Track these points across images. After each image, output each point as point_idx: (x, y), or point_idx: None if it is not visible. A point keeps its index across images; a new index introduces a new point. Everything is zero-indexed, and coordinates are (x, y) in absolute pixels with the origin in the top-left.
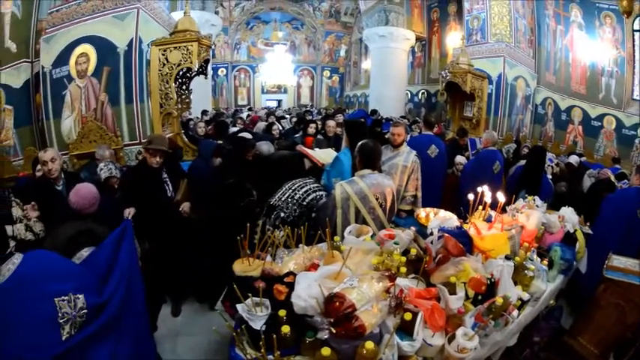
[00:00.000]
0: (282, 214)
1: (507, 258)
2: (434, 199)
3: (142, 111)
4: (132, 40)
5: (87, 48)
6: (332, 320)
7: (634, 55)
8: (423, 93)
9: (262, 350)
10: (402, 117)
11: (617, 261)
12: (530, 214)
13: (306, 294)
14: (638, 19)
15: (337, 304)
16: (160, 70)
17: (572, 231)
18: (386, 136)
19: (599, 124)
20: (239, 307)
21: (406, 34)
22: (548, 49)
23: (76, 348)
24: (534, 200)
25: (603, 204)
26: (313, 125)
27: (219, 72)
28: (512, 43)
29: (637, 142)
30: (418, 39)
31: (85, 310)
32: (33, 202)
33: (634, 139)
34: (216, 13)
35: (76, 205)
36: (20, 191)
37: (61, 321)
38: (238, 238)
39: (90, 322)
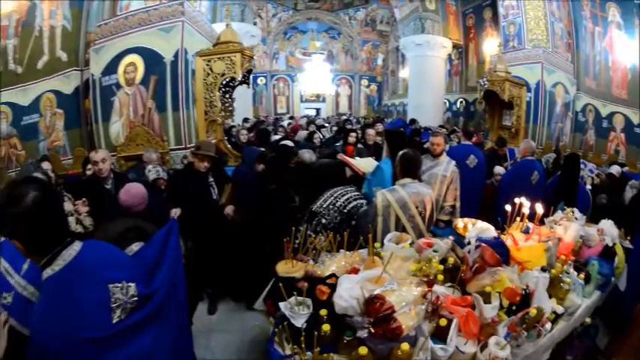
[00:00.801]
0: (324, 221)
1: (543, 270)
2: (472, 209)
3: (188, 118)
4: (177, 51)
5: (135, 58)
6: (371, 320)
7: None
8: (461, 101)
9: (302, 346)
10: (440, 126)
11: None
12: (568, 226)
13: (348, 295)
14: None
15: (377, 304)
16: (204, 80)
17: (611, 245)
18: (425, 146)
19: None
20: (282, 305)
21: (443, 42)
22: (586, 52)
23: (124, 331)
24: (573, 212)
25: None
26: (354, 134)
27: (259, 81)
28: (549, 48)
29: None
30: (455, 46)
31: (136, 298)
32: (84, 199)
33: None
34: (255, 24)
35: (126, 203)
36: (71, 187)
37: (113, 305)
38: (284, 240)
39: (138, 309)
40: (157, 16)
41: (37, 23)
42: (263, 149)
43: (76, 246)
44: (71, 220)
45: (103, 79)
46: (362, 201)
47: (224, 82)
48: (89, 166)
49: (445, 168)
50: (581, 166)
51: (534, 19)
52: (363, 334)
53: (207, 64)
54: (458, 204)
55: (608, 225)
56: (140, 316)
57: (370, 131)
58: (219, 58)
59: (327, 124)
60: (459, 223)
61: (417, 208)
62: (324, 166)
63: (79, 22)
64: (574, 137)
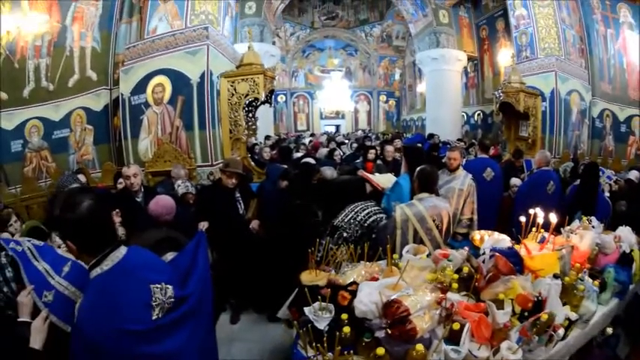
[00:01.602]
0: (345, 234)
1: (555, 277)
2: (490, 221)
3: (214, 136)
4: (203, 72)
5: (162, 79)
6: (388, 322)
7: None
8: (478, 114)
9: (325, 346)
10: (458, 140)
11: None
12: (584, 234)
13: (368, 299)
14: None
15: (394, 307)
16: (229, 100)
17: (628, 251)
18: (443, 160)
19: None
20: (306, 309)
21: (458, 55)
22: (600, 56)
23: (161, 328)
24: (590, 221)
25: None
26: (373, 151)
27: (279, 99)
28: (562, 55)
29: None
30: (470, 59)
31: (172, 299)
32: (117, 210)
33: None
34: (273, 43)
35: (154, 213)
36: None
37: (153, 304)
38: (309, 250)
39: (174, 310)
40: (183, 40)
41: (67, 44)
42: (286, 167)
43: (122, 249)
44: None
45: (133, 98)
46: (381, 215)
47: (247, 102)
48: (120, 180)
49: (462, 182)
50: (599, 173)
51: (545, 28)
52: (380, 334)
53: (232, 85)
54: (475, 217)
55: (625, 232)
56: (175, 316)
57: (389, 148)
58: (242, 79)
59: (346, 141)
60: (476, 235)
61: (434, 221)
62: (345, 183)
63: (108, 44)
64: (592, 144)
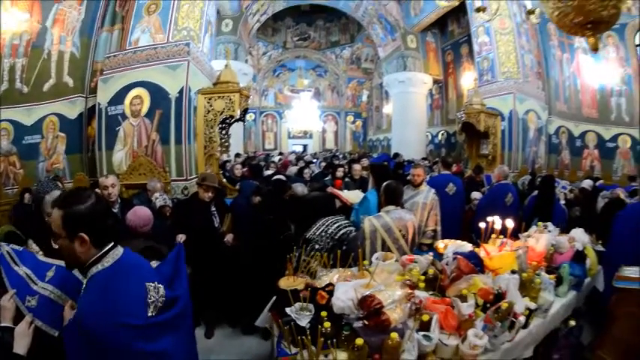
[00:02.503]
0: (317, 246)
1: (513, 272)
2: (454, 233)
3: (189, 151)
4: (182, 88)
5: (141, 91)
6: (364, 313)
7: None
8: (442, 134)
9: (308, 338)
10: (423, 158)
11: (629, 271)
12: (540, 237)
13: (344, 297)
14: (639, 33)
15: (369, 301)
16: (205, 116)
17: (581, 249)
18: (407, 177)
19: (614, 144)
20: (288, 309)
21: (424, 78)
22: (556, 78)
23: (153, 327)
24: (545, 226)
25: (615, 222)
26: (341, 169)
27: (248, 117)
28: (520, 78)
29: None
30: (435, 81)
31: (164, 298)
32: None
33: None
34: (246, 61)
35: (132, 224)
36: None
37: (148, 301)
38: (287, 257)
39: (165, 310)
40: (165, 54)
41: (46, 46)
42: (258, 183)
43: (120, 249)
44: None
45: (110, 109)
46: (351, 228)
47: (221, 119)
48: (97, 190)
49: (425, 196)
50: (555, 184)
51: (505, 54)
52: (358, 325)
53: (208, 102)
54: (439, 228)
55: (578, 233)
56: (167, 317)
57: (356, 166)
58: (219, 96)
59: (315, 160)
60: (440, 244)
61: (400, 231)
62: (316, 198)
63: (88, 51)
64: (549, 158)
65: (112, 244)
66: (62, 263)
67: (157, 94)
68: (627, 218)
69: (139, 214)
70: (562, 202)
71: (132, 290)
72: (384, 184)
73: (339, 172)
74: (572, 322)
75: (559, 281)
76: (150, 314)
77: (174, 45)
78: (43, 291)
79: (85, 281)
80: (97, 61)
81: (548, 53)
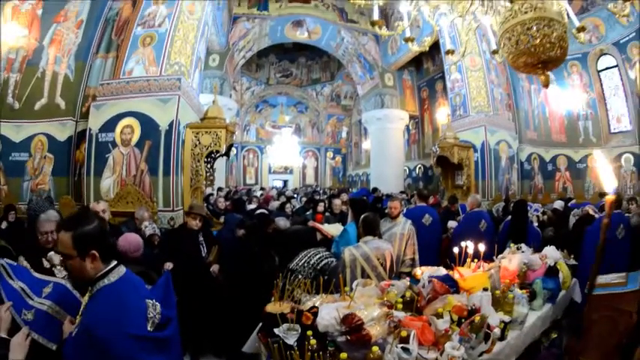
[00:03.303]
0: (300, 276)
1: (485, 289)
2: (431, 261)
3: (176, 183)
4: (172, 121)
5: (132, 121)
6: (347, 329)
7: (603, 94)
8: (419, 167)
9: (297, 353)
10: (401, 192)
11: (601, 279)
12: (512, 257)
13: (328, 316)
14: (600, 59)
15: (350, 318)
16: (192, 150)
17: (553, 264)
18: (386, 211)
19: (584, 165)
20: (276, 330)
21: (400, 115)
22: (525, 108)
23: (154, 341)
24: (519, 247)
25: (585, 236)
26: (322, 204)
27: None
28: (490, 111)
29: (622, 171)
30: (412, 117)
31: (160, 315)
32: None
33: (619, 171)
34: (230, 96)
35: (123, 249)
36: None
37: (148, 316)
38: (274, 282)
39: (161, 329)
40: (157, 87)
41: (41, 65)
42: (242, 217)
43: (123, 267)
44: None
45: (101, 135)
46: (332, 259)
47: (207, 153)
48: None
49: (403, 227)
50: (527, 208)
51: (476, 89)
52: (341, 340)
53: (196, 136)
54: (417, 257)
55: (550, 250)
56: (162, 335)
57: (336, 201)
58: (206, 131)
59: (295, 195)
60: (417, 271)
61: (378, 260)
62: (298, 232)
63: (82, 75)
64: (522, 184)
65: (116, 262)
66: (60, 280)
67: (148, 125)
68: (595, 232)
69: (130, 240)
70: (535, 224)
71: (136, 304)
72: (362, 216)
73: (320, 207)
74: (554, 335)
75: (533, 295)
76: (149, 329)
77: (166, 79)
78: (40, 306)
79: (87, 295)
80: (89, 86)
81: (517, 85)
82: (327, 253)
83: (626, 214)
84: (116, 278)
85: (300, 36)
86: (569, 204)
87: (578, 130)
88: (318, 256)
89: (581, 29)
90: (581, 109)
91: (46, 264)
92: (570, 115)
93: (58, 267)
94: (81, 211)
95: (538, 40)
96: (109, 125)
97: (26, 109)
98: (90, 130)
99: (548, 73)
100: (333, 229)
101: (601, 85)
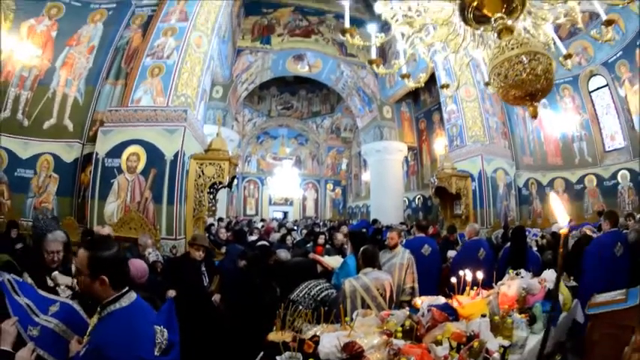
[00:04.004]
0: (301, 307)
1: (483, 315)
2: (431, 291)
3: (179, 212)
4: (178, 152)
5: (138, 149)
6: (347, 356)
7: (596, 114)
8: (419, 198)
9: None
10: (401, 223)
11: (601, 297)
12: (511, 283)
13: (329, 344)
14: (590, 80)
15: (351, 346)
16: (196, 180)
17: (551, 287)
18: (385, 242)
19: (582, 185)
20: (279, 358)
21: (399, 147)
22: (521, 135)
23: None
24: (518, 273)
25: (584, 257)
26: (322, 236)
27: None
28: (486, 140)
29: (620, 188)
30: (410, 148)
31: (166, 341)
32: None
33: (617, 187)
34: (232, 127)
35: (129, 274)
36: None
37: (156, 341)
38: (277, 312)
39: (165, 353)
40: (164, 117)
41: (52, 86)
42: (243, 248)
43: (133, 293)
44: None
45: (107, 160)
46: (332, 290)
47: (210, 184)
48: (89, 238)
49: (402, 257)
50: (526, 233)
51: (472, 119)
52: None
53: (200, 167)
54: (416, 285)
55: (549, 273)
56: None
57: (339, 236)
58: (210, 163)
59: (296, 227)
60: (418, 300)
61: (378, 290)
62: (299, 263)
63: (91, 99)
64: (521, 210)
65: (127, 288)
66: (67, 300)
67: (154, 154)
68: (593, 252)
69: (136, 265)
70: (534, 249)
71: (145, 329)
72: (362, 248)
73: (321, 239)
74: (558, 357)
75: (533, 319)
76: (156, 353)
77: (172, 110)
78: (47, 323)
79: (96, 317)
80: (97, 111)
81: (512, 113)
82: (327, 284)
83: (624, 231)
84: (127, 303)
85: (301, 69)
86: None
87: (573, 151)
88: (318, 288)
89: (568, 56)
90: (575, 131)
91: (50, 283)
92: (565, 138)
93: (62, 287)
94: (104, 237)
95: (525, 75)
96: (116, 151)
97: (35, 127)
98: (97, 154)
99: (537, 104)
100: (333, 262)
101: (593, 105)
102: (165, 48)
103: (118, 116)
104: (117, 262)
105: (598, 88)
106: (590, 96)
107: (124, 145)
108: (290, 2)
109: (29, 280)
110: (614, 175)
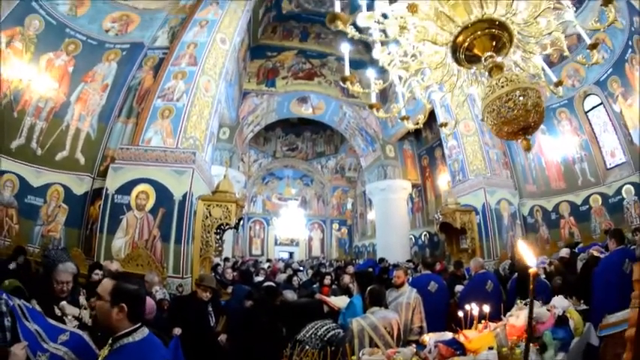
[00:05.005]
0: (307, 347)
1: (490, 348)
2: (440, 327)
3: (187, 252)
4: (186, 193)
5: (148, 188)
6: None
7: (594, 133)
8: (425, 234)
9: None
10: (408, 261)
11: (613, 317)
12: (519, 313)
13: None
14: (585, 100)
15: None
16: (203, 221)
17: (561, 314)
18: (392, 281)
19: (587, 206)
20: None
21: (403, 185)
22: (522, 163)
23: None
24: (527, 303)
25: (593, 279)
26: (328, 277)
27: None
28: (488, 173)
29: (625, 203)
30: (414, 185)
31: None
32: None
33: (622, 203)
34: (238, 167)
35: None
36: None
37: None
38: (284, 352)
39: None
40: (173, 158)
41: (66, 119)
42: (249, 288)
43: (146, 329)
44: (86, 313)
45: (116, 197)
46: (339, 330)
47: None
48: (97, 272)
49: (408, 296)
50: None
51: (472, 153)
52: None
53: (207, 209)
54: (424, 325)
55: (557, 300)
56: None
57: (346, 278)
58: (217, 204)
59: (302, 268)
60: (425, 337)
61: (385, 329)
62: (305, 304)
63: (103, 135)
64: (527, 238)
65: (140, 323)
66: (77, 330)
67: (163, 193)
68: (601, 272)
69: (146, 302)
70: (542, 276)
71: None
72: (369, 288)
73: (327, 280)
74: None
75: (544, 348)
76: None
77: (182, 152)
78: (56, 351)
79: (107, 349)
80: (109, 147)
81: (511, 143)
82: (334, 324)
83: (632, 247)
84: (140, 338)
85: (305, 111)
86: (577, 248)
87: (575, 173)
88: (325, 328)
89: (559, 83)
90: (575, 153)
91: (58, 312)
92: (566, 161)
93: (69, 317)
94: (131, 275)
95: (516, 111)
96: (126, 188)
97: (48, 157)
98: (107, 189)
99: (530, 137)
100: (340, 302)
101: (590, 125)
102: (176, 91)
103: (128, 154)
104: (137, 296)
105: (593, 108)
106: (587, 116)
107: (134, 183)
108: (293, 46)
109: (37, 308)
110: (618, 191)
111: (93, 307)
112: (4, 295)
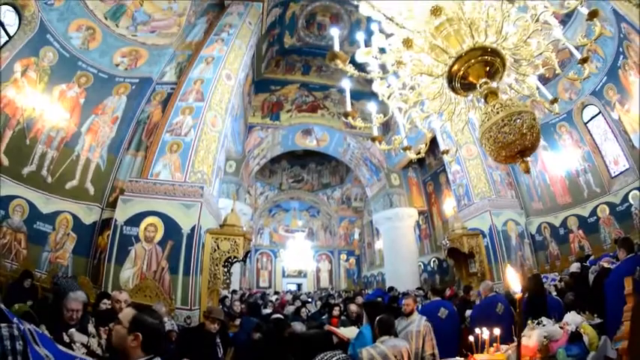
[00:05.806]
0: None
1: None
2: (452, 353)
3: (195, 284)
4: (194, 226)
5: (156, 220)
6: None
7: (595, 143)
8: (434, 261)
9: None
10: (418, 288)
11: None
12: (531, 333)
13: None
14: (583, 111)
15: None
16: (211, 254)
17: (574, 330)
18: (402, 309)
19: (595, 217)
20: None
21: (409, 212)
22: (526, 182)
23: None
24: (539, 322)
25: (605, 290)
26: (337, 308)
27: None
28: (492, 195)
29: (633, 209)
30: (421, 212)
31: None
32: (107, 327)
33: (630, 210)
34: (245, 200)
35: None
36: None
37: None
38: None
39: None
40: (181, 192)
41: (76, 149)
42: (257, 320)
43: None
44: (94, 341)
45: (125, 228)
46: None
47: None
48: (105, 301)
49: (418, 324)
50: (544, 280)
51: (476, 176)
52: None
53: (215, 242)
54: (436, 351)
55: (570, 316)
56: None
57: (353, 307)
58: (225, 238)
59: (310, 300)
60: None
61: (395, 357)
62: (314, 335)
63: (112, 167)
64: (537, 256)
65: (153, 355)
66: (84, 357)
67: (171, 226)
68: (613, 283)
69: None
70: (554, 294)
71: None
72: (378, 317)
73: (336, 311)
74: None
75: None
76: None
77: (190, 186)
78: None
79: None
80: (118, 179)
81: None
82: (343, 355)
83: None
84: None
85: (310, 143)
86: (588, 261)
87: (580, 186)
88: (335, 358)
89: (554, 101)
90: (578, 165)
91: (66, 339)
92: (570, 175)
93: (78, 344)
94: (154, 309)
95: (512, 135)
96: (134, 220)
97: (58, 185)
98: (115, 221)
99: (527, 159)
100: (349, 332)
101: (591, 135)
102: (184, 126)
103: (137, 187)
104: (155, 330)
105: (592, 118)
106: (587, 127)
107: (143, 215)
108: (296, 79)
109: (46, 333)
110: (625, 199)
111: (105, 334)
112: (16, 320)
